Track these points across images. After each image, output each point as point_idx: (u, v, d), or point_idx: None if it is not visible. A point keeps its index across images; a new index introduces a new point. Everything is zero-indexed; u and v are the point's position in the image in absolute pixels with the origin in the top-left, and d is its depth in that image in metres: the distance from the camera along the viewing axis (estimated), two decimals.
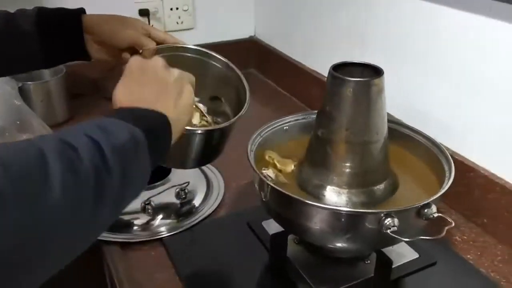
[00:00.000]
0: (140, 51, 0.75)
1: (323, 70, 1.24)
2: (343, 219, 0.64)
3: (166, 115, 0.53)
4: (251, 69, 1.59)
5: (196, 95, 0.62)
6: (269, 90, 1.47)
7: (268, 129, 0.82)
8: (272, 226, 0.81)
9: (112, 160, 0.43)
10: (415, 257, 0.78)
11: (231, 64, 0.84)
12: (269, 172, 0.74)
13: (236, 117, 0.74)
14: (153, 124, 0.52)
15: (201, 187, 0.94)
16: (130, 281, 0.73)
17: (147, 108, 0.53)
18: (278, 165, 0.76)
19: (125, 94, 0.55)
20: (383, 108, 0.68)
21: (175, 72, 0.59)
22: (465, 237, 0.84)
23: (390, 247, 0.76)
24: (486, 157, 0.84)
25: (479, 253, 0.80)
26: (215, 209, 0.90)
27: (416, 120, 0.94)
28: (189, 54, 0.83)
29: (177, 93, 0.57)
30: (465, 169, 0.86)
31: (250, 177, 0.98)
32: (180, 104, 0.57)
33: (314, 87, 1.28)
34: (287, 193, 0.66)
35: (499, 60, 0.78)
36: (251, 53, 1.57)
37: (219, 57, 0.84)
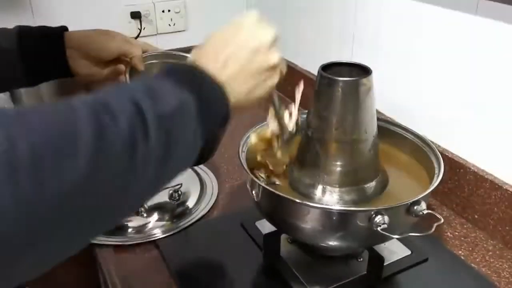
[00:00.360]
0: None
1: (315, 69, 1.24)
2: (334, 218, 0.64)
3: (226, 92, 0.48)
4: None
5: None
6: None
7: (260, 129, 0.83)
8: (266, 226, 0.81)
9: (154, 131, 0.40)
10: (407, 254, 0.78)
11: None
12: (261, 173, 0.75)
13: None
14: (208, 94, 0.47)
15: (194, 188, 0.95)
16: (124, 284, 0.73)
17: (214, 80, 0.48)
18: (270, 165, 0.77)
19: (208, 50, 0.52)
20: (372, 107, 0.69)
21: (276, 56, 0.53)
22: (457, 233, 0.85)
23: (382, 244, 0.77)
24: (475, 154, 0.85)
25: (470, 249, 0.81)
26: (209, 210, 0.90)
27: (407, 118, 0.95)
28: (174, 60, 0.84)
29: (262, 80, 0.52)
30: (455, 165, 0.87)
31: (244, 177, 0.99)
32: (255, 93, 0.52)
33: (306, 87, 1.28)
34: (278, 193, 0.66)
35: (486, 57, 0.79)
36: None
37: None
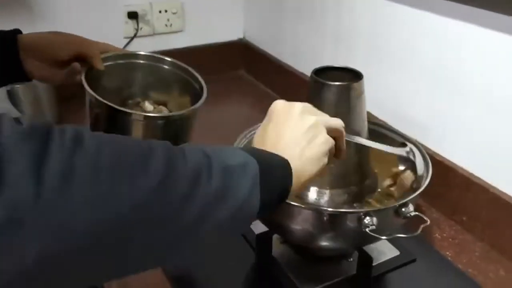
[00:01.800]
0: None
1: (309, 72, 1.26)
2: (324, 219, 0.66)
3: (287, 160, 0.51)
4: (241, 71, 1.62)
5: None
6: (259, 92, 1.49)
7: (254, 131, 0.84)
8: (258, 227, 0.83)
9: (216, 174, 0.44)
10: (395, 255, 0.80)
11: (180, 64, 0.87)
12: None
13: (193, 107, 0.76)
14: (270, 161, 0.50)
15: None
16: (120, 283, 0.74)
17: (272, 151, 0.52)
18: None
19: (259, 139, 0.56)
20: (362, 111, 0.70)
21: (311, 119, 0.55)
22: (445, 235, 0.87)
23: (372, 245, 0.79)
24: (464, 158, 0.87)
25: (458, 250, 0.83)
26: None
27: (398, 121, 0.97)
28: (141, 61, 0.86)
29: (307, 141, 0.53)
30: (444, 169, 0.89)
31: None
32: (307, 153, 0.53)
33: (303, 89, 1.30)
34: None
35: (476, 61, 0.81)
36: (241, 56, 1.60)
37: (169, 59, 0.87)
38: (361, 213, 0.64)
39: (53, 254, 0.34)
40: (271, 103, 1.40)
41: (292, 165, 0.51)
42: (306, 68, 1.31)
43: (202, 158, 0.44)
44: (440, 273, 0.78)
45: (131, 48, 1.41)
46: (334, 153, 0.58)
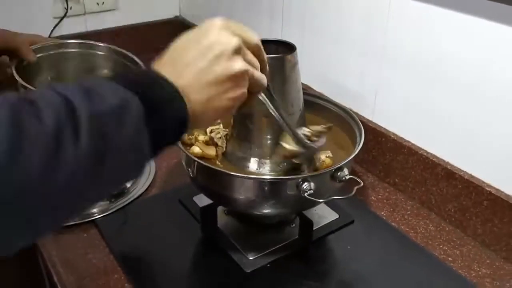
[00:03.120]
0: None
1: None
2: (265, 187, 0.69)
3: (180, 89, 0.43)
4: None
5: None
6: None
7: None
8: (203, 201, 0.84)
9: (86, 131, 0.36)
10: (335, 218, 0.85)
11: (116, 48, 0.87)
12: (196, 149, 0.77)
13: None
14: (160, 93, 0.42)
15: None
16: (63, 263, 0.74)
17: (168, 83, 0.43)
18: (202, 150, 0.78)
19: (167, 52, 0.47)
20: (297, 82, 0.73)
21: (238, 65, 0.46)
22: (380, 196, 0.92)
23: (313, 210, 0.83)
24: (394, 123, 0.92)
25: (391, 210, 0.89)
26: (147, 188, 0.92)
27: (332, 91, 1.01)
28: (72, 49, 0.85)
29: (223, 91, 0.45)
30: (377, 135, 0.94)
31: (180, 156, 1.02)
32: (214, 104, 0.45)
33: None
34: (212, 166, 0.70)
35: (401, 27, 0.85)
36: (177, 34, 1.57)
37: (102, 45, 0.87)
38: (299, 179, 0.67)
39: None
40: None
41: (188, 102, 0.43)
42: None
43: (62, 110, 0.36)
44: (376, 231, 0.84)
45: (61, 29, 1.37)
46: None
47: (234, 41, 0.46)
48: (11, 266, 1.06)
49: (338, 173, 0.70)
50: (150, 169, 0.98)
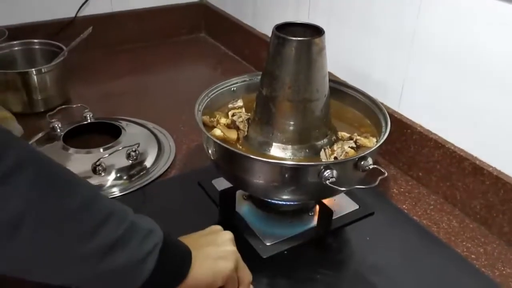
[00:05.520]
0: None
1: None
2: (286, 173, 0.67)
3: (191, 251, 0.55)
4: (201, 33, 1.59)
5: None
6: (219, 54, 1.48)
7: (215, 90, 0.84)
8: (222, 184, 0.84)
9: (126, 222, 0.48)
10: (355, 208, 0.83)
11: None
12: (217, 132, 0.76)
13: None
14: (177, 243, 0.55)
15: (152, 148, 0.96)
16: None
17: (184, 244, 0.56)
18: (223, 133, 0.77)
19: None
20: (323, 67, 0.71)
21: (231, 246, 0.60)
22: (402, 189, 0.90)
23: (332, 199, 0.81)
24: (421, 115, 0.90)
25: (413, 203, 0.86)
26: (167, 169, 0.92)
27: (358, 80, 0.98)
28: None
29: (216, 253, 0.57)
30: (402, 126, 0.92)
31: (201, 138, 1.01)
32: (209, 261, 0.56)
33: (264, 50, 1.29)
34: (233, 149, 0.69)
35: (433, 19, 0.82)
36: (201, 17, 1.57)
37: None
38: (321, 166, 0.66)
39: None
40: (231, 64, 1.42)
41: (193, 258, 0.54)
42: (266, 28, 1.30)
43: (118, 206, 0.48)
44: (397, 224, 0.82)
45: (87, 9, 1.37)
46: None
47: (229, 234, 0.61)
48: None
49: (362, 162, 0.68)
50: (171, 150, 0.97)
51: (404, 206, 0.86)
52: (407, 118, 0.92)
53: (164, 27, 1.51)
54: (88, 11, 1.37)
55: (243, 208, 0.82)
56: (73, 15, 1.34)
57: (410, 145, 0.92)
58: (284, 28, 0.72)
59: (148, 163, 0.92)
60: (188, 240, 0.57)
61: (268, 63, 0.72)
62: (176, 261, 0.52)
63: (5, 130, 0.41)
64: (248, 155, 0.68)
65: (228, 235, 0.60)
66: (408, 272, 0.72)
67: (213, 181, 0.87)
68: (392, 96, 0.94)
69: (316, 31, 0.71)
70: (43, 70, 1.06)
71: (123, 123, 0.99)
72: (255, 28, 1.35)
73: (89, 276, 0.46)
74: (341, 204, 0.83)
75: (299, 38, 0.68)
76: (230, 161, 0.72)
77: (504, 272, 0.72)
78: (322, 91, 0.72)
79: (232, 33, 1.44)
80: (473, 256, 0.75)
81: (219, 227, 0.61)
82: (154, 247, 0.49)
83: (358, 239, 0.79)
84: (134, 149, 0.89)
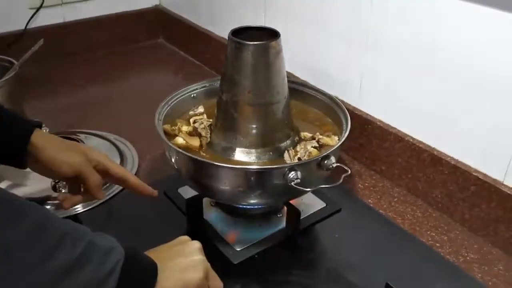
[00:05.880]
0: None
1: None
2: (251, 177, 0.67)
3: (157, 264, 0.53)
4: (159, 39, 1.58)
5: None
6: (178, 59, 1.47)
7: (175, 98, 0.83)
8: (189, 192, 0.83)
9: (82, 243, 0.45)
10: (322, 206, 0.84)
11: None
12: (179, 140, 0.76)
13: None
14: (141, 258, 0.53)
15: (114, 160, 0.93)
16: None
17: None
18: (186, 141, 0.77)
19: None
20: (282, 69, 0.72)
21: (201, 255, 0.59)
22: (367, 184, 0.92)
23: (300, 199, 0.82)
24: (380, 110, 0.91)
25: (378, 197, 0.88)
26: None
27: (318, 79, 1.00)
28: None
29: (185, 264, 0.56)
30: (363, 122, 0.93)
31: (163, 148, 1.00)
32: (178, 271, 0.55)
33: (224, 54, 1.29)
34: (196, 157, 0.68)
35: (386, 15, 0.84)
36: (158, 23, 1.55)
37: None
38: (286, 168, 0.66)
39: None
40: (191, 70, 1.41)
41: (160, 271, 0.53)
42: (225, 32, 1.29)
43: (73, 226, 0.47)
44: (364, 219, 0.83)
45: (38, 21, 1.33)
46: None
47: (197, 244, 0.60)
48: None
49: (325, 162, 0.69)
50: (134, 161, 0.96)
51: (369, 201, 0.87)
52: (367, 114, 0.94)
53: (120, 34, 1.49)
54: (39, 22, 1.34)
55: (211, 215, 0.82)
56: (22, 27, 1.30)
57: (372, 140, 0.93)
58: (240, 33, 0.72)
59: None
60: (155, 253, 0.56)
61: (226, 68, 0.72)
62: (140, 277, 0.51)
63: None
64: (212, 162, 0.68)
65: (196, 244, 0.59)
66: (377, 265, 0.73)
67: (179, 190, 0.86)
68: (352, 93, 0.95)
69: (272, 34, 0.71)
70: None
71: (82, 136, 0.97)
72: (214, 32, 1.34)
73: None
74: (308, 203, 0.84)
75: (255, 42, 0.68)
76: (194, 169, 0.72)
77: (468, 258, 0.75)
78: (282, 93, 0.72)
79: (190, 38, 1.44)
80: (437, 244, 0.77)
81: (186, 237, 0.61)
82: (115, 265, 0.48)
83: (327, 237, 0.80)
84: None
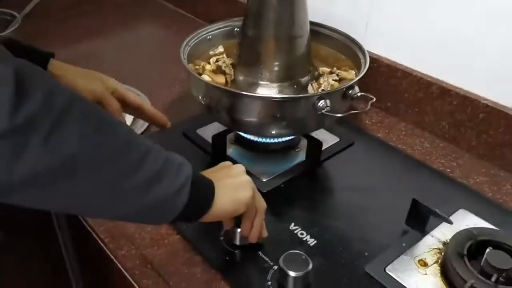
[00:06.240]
0: None
1: None
2: (283, 106, 0.71)
3: (214, 183, 0.56)
4: None
5: None
6: (168, 14, 1.46)
7: (194, 39, 0.84)
8: (207, 132, 0.86)
9: (162, 157, 0.48)
10: (336, 141, 0.88)
11: None
12: (205, 77, 0.77)
13: None
14: (202, 176, 0.56)
15: None
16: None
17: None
18: (211, 78, 0.79)
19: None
20: (305, 5, 0.74)
21: (246, 176, 0.61)
22: (374, 120, 0.96)
23: (314, 134, 0.86)
24: (387, 49, 0.95)
25: (387, 131, 0.93)
26: (148, 126, 0.92)
27: (322, 19, 1.01)
28: None
29: (235, 183, 0.59)
30: (370, 61, 0.96)
31: (174, 95, 1.02)
32: (231, 190, 0.58)
33: (218, 5, 1.30)
34: (229, 89, 0.71)
35: None
36: None
37: None
38: (316, 97, 0.69)
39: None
40: (182, 23, 1.40)
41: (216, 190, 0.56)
42: None
43: (151, 143, 0.49)
44: (377, 151, 0.88)
45: None
46: (244, 227, 0.62)
47: (243, 167, 0.62)
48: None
49: (350, 91, 0.72)
50: None
51: (379, 135, 0.92)
52: (373, 53, 0.97)
53: None
54: None
55: (232, 151, 0.85)
56: None
57: (377, 78, 0.97)
58: None
59: (127, 122, 0.91)
60: (205, 174, 0.59)
61: (251, 4, 0.73)
62: (203, 192, 0.55)
63: (46, 75, 0.41)
64: (249, 93, 0.71)
65: (240, 167, 0.62)
66: (394, 189, 0.78)
67: (198, 131, 0.89)
68: (357, 32, 0.98)
69: None
70: None
71: None
72: None
73: (136, 209, 0.47)
74: (323, 138, 0.87)
75: None
76: (227, 102, 0.73)
77: (477, 180, 0.81)
78: (305, 28, 0.75)
79: None
80: (448, 170, 0.83)
81: (228, 162, 0.64)
82: (187, 179, 0.51)
83: (344, 167, 0.84)
84: None
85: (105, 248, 0.69)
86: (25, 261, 1.01)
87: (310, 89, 0.76)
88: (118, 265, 0.67)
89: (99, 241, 0.70)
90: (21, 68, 0.39)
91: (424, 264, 0.64)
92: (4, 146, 0.37)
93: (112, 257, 0.68)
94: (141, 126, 0.91)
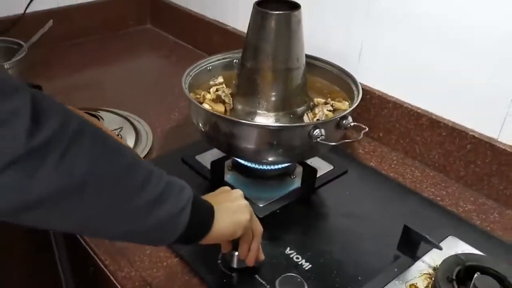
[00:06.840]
0: None
1: (224, 18, 1.31)
2: (279, 135, 0.74)
3: (214, 206, 0.58)
4: (147, 25, 1.61)
5: None
6: (168, 44, 1.51)
7: (195, 69, 0.88)
8: (206, 158, 0.89)
9: (163, 179, 0.51)
10: (330, 169, 0.91)
11: None
12: (206, 106, 0.81)
13: None
14: (202, 199, 0.58)
15: (129, 133, 0.98)
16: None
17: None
18: (211, 107, 0.82)
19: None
20: (301, 38, 0.78)
21: (244, 201, 0.64)
22: (366, 150, 1.00)
23: (308, 162, 0.88)
24: (378, 80, 0.99)
25: (379, 160, 0.96)
26: (148, 151, 0.95)
27: (316, 52, 1.06)
28: None
29: (234, 207, 0.61)
30: (362, 93, 1.00)
31: (173, 122, 1.05)
32: (229, 214, 0.60)
33: (216, 36, 1.35)
34: (228, 117, 0.74)
35: None
36: (146, 8, 1.59)
37: None
38: (311, 126, 0.73)
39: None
40: (182, 53, 1.45)
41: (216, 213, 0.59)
42: (214, 14, 1.35)
43: (153, 166, 0.52)
44: (369, 179, 0.91)
45: (33, 6, 1.34)
46: (242, 251, 0.65)
47: (240, 192, 0.65)
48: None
49: (343, 121, 0.76)
50: (147, 133, 1.00)
51: (371, 164, 0.95)
52: (366, 85, 1.01)
53: (111, 20, 1.52)
54: (34, 7, 1.34)
55: (230, 178, 0.87)
56: (20, 12, 1.31)
57: (370, 109, 1.01)
58: (262, 5, 0.78)
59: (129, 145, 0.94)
60: (206, 198, 0.61)
61: (250, 38, 0.78)
62: (204, 215, 0.57)
63: (58, 102, 0.44)
64: (246, 121, 0.74)
65: (239, 192, 0.65)
66: (386, 216, 0.81)
67: (197, 157, 0.92)
68: (351, 65, 1.02)
69: (292, 6, 0.77)
70: (6, 66, 1.04)
71: (101, 113, 1.01)
72: (205, 15, 1.39)
73: (138, 229, 0.49)
74: (318, 166, 0.90)
75: (280, 12, 0.74)
76: (226, 130, 0.76)
77: (466, 208, 0.84)
78: (301, 60, 0.79)
79: (180, 22, 1.48)
80: (438, 198, 0.86)
81: (227, 187, 0.66)
82: (188, 202, 0.53)
83: (338, 194, 0.87)
84: (117, 133, 0.91)
85: (105, 270, 0.71)
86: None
87: (306, 119, 0.80)
88: (118, 286, 0.68)
89: (99, 262, 0.72)
90: (37, 97, 0.41)
91: None
92: (19, 170, 0.39)
93: (112, 278, 0.69)
94: (141, 151, 0.94)
